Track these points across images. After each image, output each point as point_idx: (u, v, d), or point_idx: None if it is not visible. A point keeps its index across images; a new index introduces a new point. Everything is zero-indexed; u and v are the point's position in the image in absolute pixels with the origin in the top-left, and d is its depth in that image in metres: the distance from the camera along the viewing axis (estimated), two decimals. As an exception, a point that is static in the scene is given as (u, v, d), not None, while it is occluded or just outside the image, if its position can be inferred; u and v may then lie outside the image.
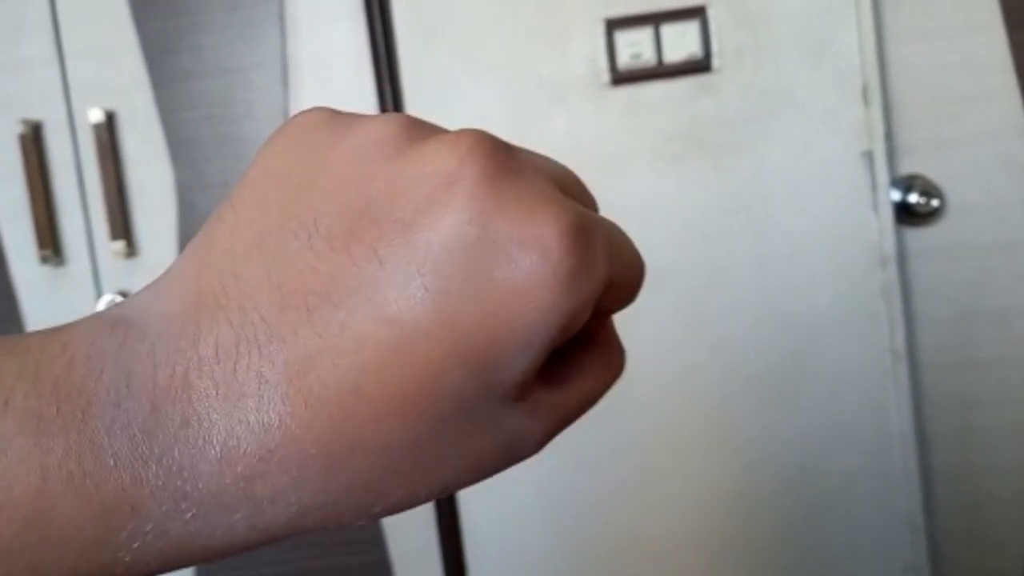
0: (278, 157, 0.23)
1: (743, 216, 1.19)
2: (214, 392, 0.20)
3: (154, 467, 0.19)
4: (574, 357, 0.24)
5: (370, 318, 0.20)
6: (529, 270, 0.20)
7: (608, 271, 0.22)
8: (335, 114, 0.24)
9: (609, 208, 1.23)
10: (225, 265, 0.21)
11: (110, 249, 1.23)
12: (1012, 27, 1.17)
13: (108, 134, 1.22)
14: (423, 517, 1.25)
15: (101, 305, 1.24)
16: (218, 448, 0.20)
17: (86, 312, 1.26)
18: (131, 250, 1.23)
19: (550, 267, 0.20)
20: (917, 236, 1.21)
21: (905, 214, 1.19)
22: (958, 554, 1.24)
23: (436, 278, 0.20)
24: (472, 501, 1.24)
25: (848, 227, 1.18)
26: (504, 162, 0.21)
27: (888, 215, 1.17)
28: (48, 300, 1.25)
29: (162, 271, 0.23)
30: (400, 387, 0.20)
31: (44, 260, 1.23)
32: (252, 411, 0.20)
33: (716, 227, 1.19)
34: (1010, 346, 1.20)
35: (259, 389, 0.20)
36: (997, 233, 1.20)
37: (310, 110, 0.24)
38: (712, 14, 1.17)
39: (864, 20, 1.16)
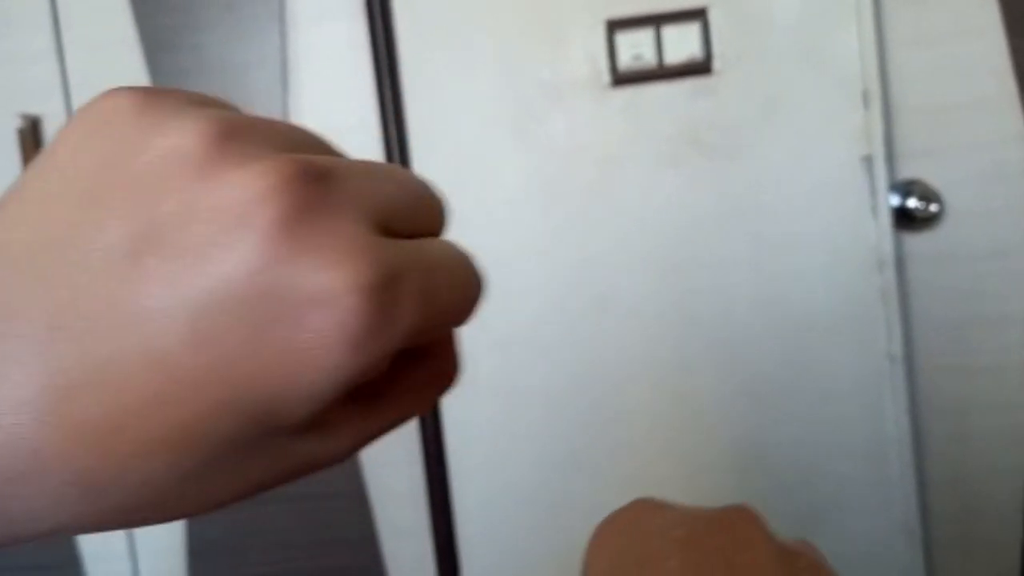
0: (78, 149, 0.20)
1: (741, 218, 1.19)
2: None
3: None
4: (397, 373, 0.23)
5: (136, 356, 0.19)
6: (315, 330, 0.19)
7: (417, 318, 0.20)
8: (145, 104, 0.21)
9: (608, 208, 1.21)
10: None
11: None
12: (1012, 33, 1.17)
13: (106, 130, 1.21)
14: (419, 521, 1.24)
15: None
16: None
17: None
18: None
19: (338, 327, 0.19)
20: (915, 241, 1.21)
21: (904, 219, 1.19)
22: (954, 559, 1.24)
23: (209, 326, 0.19)
24: (468, 506, 1.23)
25: (847, 231, 1.18)
26: (312, 201, 0.19)
27: (887, 220, 1.17)
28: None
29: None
30: (164, 432, 0.19)
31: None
32: (3, 431, 0.18)
33: (714, 229, 1.19)
34: (1006, 352, 1.21)
35: (14, 409, 0.18)
36: (995, 239, 1.20)
37: (120, 92, 0.21)
38: (713, 16, 1.17)
39: (865, 25, 1.16)
